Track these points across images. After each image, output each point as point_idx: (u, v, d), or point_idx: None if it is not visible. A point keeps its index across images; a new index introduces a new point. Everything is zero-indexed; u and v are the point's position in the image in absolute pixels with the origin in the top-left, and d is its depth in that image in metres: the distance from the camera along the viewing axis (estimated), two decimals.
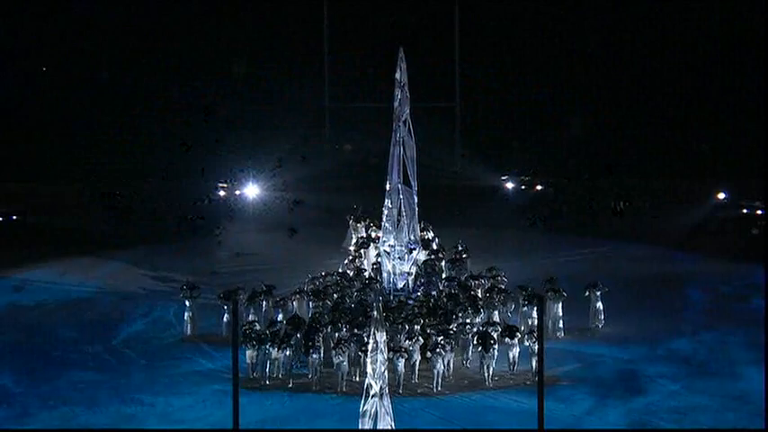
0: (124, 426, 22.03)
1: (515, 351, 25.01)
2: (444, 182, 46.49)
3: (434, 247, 32.07)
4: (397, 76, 29.18)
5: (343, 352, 24.34)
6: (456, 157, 50.49)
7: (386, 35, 46.01)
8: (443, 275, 30.26)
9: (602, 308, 28.51)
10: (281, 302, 28.04)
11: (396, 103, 29.08)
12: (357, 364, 24.40)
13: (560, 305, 27.93)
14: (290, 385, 24.51)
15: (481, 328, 25.65)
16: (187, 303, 28.32)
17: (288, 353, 24.81)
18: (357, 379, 24.10)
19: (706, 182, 41.87)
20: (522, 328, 25.85)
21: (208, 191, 40.07)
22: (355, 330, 25.17)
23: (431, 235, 33.18)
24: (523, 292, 28.11)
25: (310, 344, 24.78)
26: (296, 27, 51.28)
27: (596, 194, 41.86)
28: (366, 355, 20.00)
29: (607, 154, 45.37)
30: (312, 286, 29.11)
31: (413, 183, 29.19)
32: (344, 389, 23.95)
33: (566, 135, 47.18)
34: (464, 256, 31.93)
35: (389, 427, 19.31)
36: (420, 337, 25.05)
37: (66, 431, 21.77)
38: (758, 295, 30.46)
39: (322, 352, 24.86)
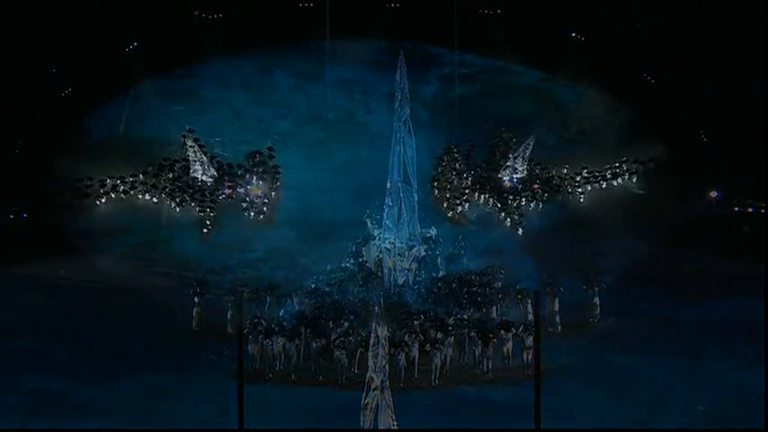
0: (130, 419, 22.47)
1: (509, 345, 25.63)
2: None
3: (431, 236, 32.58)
4: (398, 77, 29.84)
5: (343, 346, 24.98)
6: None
7: (386, 35, 46.35)
8: (440, 272, 30.79)
9: (597, 303, 29.06)
10: (284, 299, 28.66)
11: (396, 104, 29.71)
12: (356, 357, 25.04)
13: (557, 300, 28.49)
14: (293, 377, 25.14)
15: (479, 324, 26.29)
16: (195, 299, 28.86)
17: (291, 346, 25.42)
18: (356, 371, 24.74)
19: (699, 180, 42.18)
20: (520, 324, 26.46)
21: (213, 189, 40.45)
22: (353, 326, 25.76)
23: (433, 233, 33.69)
24: (517, 290, 28.69)
25: (312, 338, 25.42)
26: (298, 27, 51.56)
27: (592, 191, 42.31)
28: (366, 349, 20.56)
29: (603, 152, 45.67)
30: (314, 286, 29.71)
31: (412, 181, 29.79)
32: (345, 381, 24.61)
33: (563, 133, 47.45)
34: (462, 252, 32.47)
35: (390, 420, 19.89)
36: (419, 334, 25.63)
37: (66, 431, 22.11)
38: (750, 290, 30.73)
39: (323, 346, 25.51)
